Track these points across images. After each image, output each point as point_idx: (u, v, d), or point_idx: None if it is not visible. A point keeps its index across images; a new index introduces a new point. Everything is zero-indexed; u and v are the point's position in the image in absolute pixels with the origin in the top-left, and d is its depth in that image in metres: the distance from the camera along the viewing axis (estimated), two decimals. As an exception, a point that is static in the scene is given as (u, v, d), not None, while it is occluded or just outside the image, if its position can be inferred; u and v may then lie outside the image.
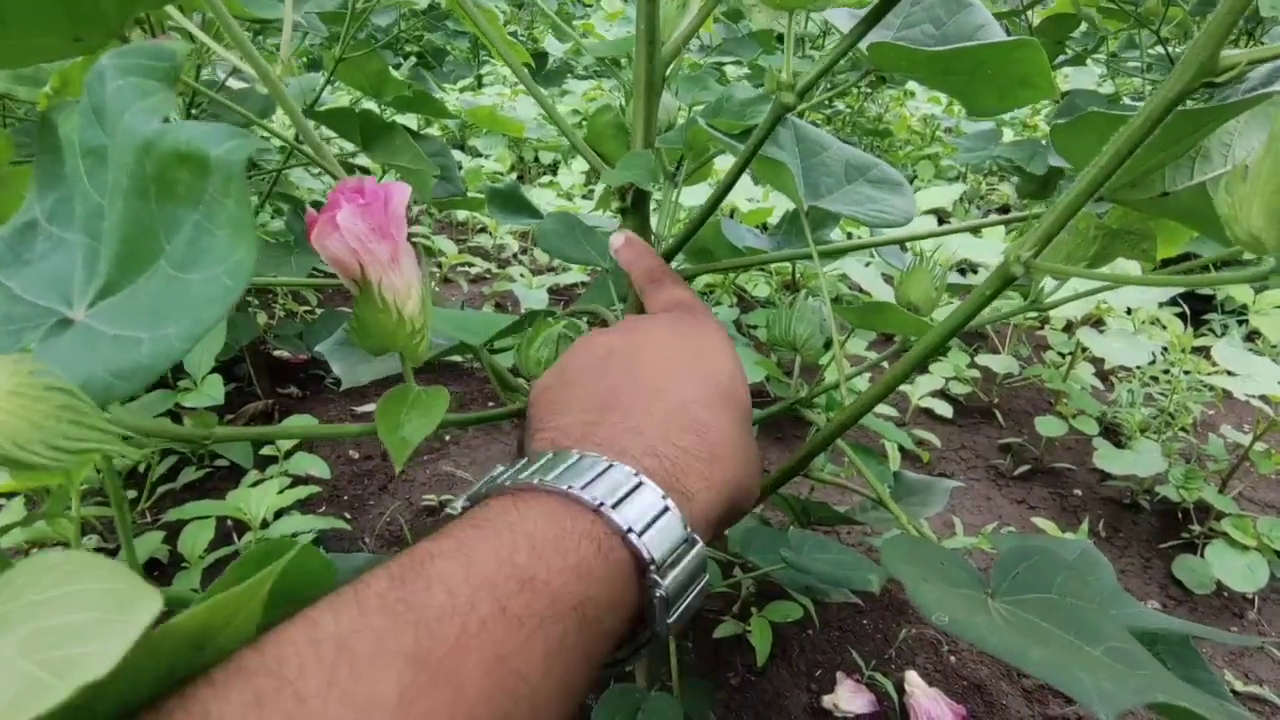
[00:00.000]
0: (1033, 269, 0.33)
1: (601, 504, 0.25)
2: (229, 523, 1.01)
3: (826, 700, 0.80)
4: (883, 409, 1.32)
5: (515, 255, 2.02)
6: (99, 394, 0.22)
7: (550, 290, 1.50)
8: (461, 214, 2.19)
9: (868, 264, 1.37)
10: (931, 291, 0.54)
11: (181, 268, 0.23)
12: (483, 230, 2.19)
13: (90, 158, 0.25)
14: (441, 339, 0.46)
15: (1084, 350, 1.33)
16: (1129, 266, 0.81)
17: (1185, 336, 1.30)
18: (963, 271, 1.63)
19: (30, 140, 0.82)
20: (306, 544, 0.30)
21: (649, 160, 0.43)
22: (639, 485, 0.26)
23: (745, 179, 1.63)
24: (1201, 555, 0.97)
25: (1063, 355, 1.42)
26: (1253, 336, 1.61)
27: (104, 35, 0.34)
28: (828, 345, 0.58)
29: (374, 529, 1.08)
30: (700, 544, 0.28)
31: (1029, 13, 1.57)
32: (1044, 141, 1.91)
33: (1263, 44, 1.43)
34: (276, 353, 1.44)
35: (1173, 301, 1.46)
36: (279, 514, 0.95)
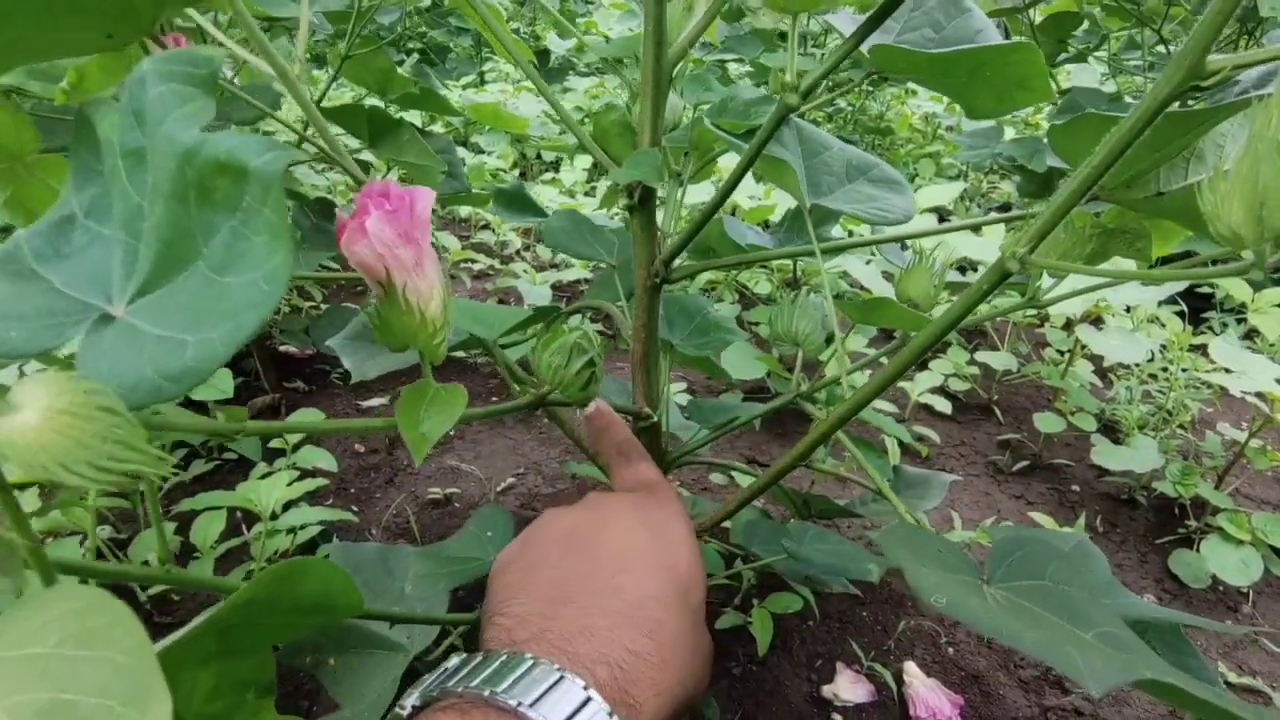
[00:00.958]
0: (1028, 265, 0.34)
1: None
2: (238, 514, 1.02)
3: (826, 690, 0.81)
4: (882, 405, 1.34)
5: (518, 252, 2.03)
6: (148, 395, 0.23)
7: (553, 286, 1.51)
8: (464, 210, 2.20)
9: (868, 261, 1.38)
10: (930, 289, 0.55)
11: (219, 270, 0.25)
12: (485, 227, 2.20)
13: (130, 159, 0.26)
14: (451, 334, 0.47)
15: (1083, 347, 1.34)
16: (1125, 264, 0.82)
17: (1184, 334, 1.31)
18: (962, 270, 1.64)
19: (44, 133, 0.83)
20: (328, 562, 0.31)
21: (656, 159, 0.44)
22: (586, 701, 0.27)
23: (747, 177, 1.64)
24: (1197, 550, 0.99)
25: (1062, 353, 1.43)
26: (1251, 335, 1.63)
27: (135, 33, 0.36)
28: (829, 341, 0.59)
29: (380, 521, 1.09)
30: None
31: (1031, 10, 1.58)
32: (1045, 139, 1.92)
33: (1262, 44, 1.44)
34: (283, 347, 1.46)
35: (1172, 300, 1.47)
36: (287, 506, 0.96)
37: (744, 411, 0.64)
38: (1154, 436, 1.18)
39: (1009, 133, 2.38)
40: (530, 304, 1.48)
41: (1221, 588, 0.98)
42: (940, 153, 2.59)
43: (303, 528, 0.95)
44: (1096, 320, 1.36)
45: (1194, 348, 1.36)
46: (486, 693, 0.27)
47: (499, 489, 1.18)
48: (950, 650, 0.89)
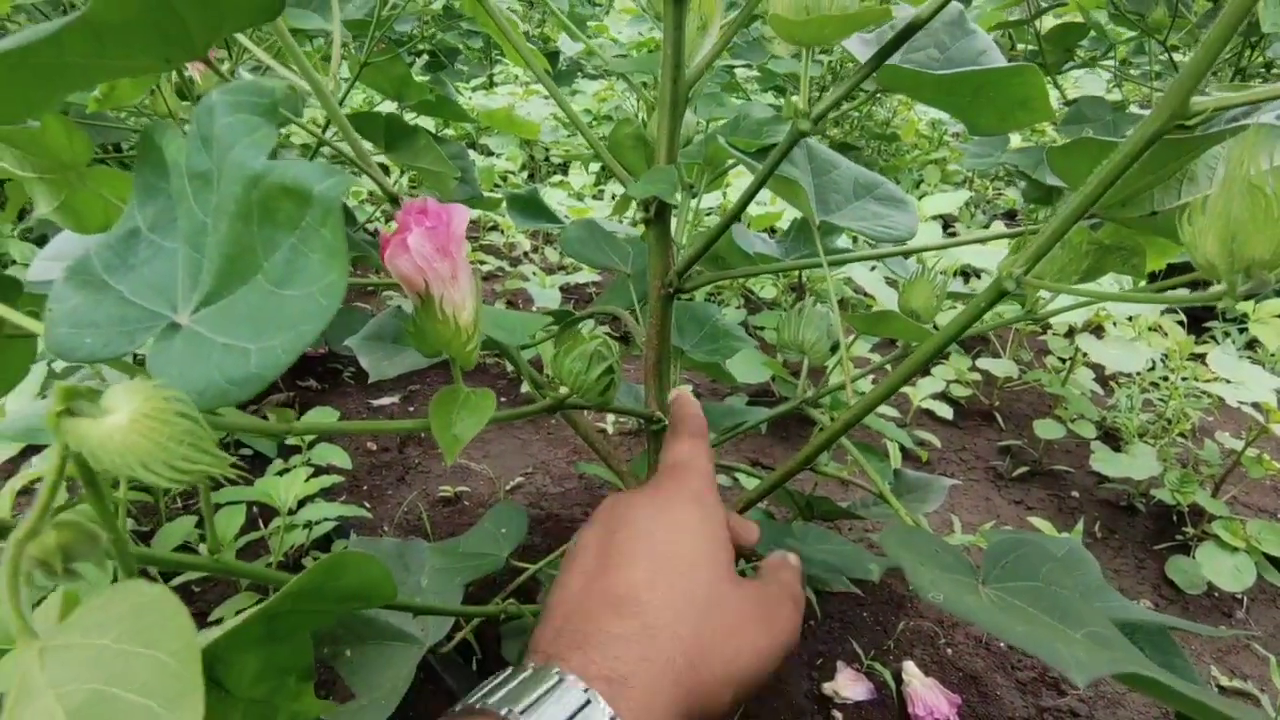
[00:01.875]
0: (1024, 285, 0.36)
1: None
2: (254, 509, 1.05)
3: (827, 687, 0.83)
4: (884, 410, 1.36)
5: (526, 254, 2.06)
6: (217, 399, 0.25)
7: (562, 289, 1.54)
8: (474, 212, 2.22)
9: (872, 268, 1.40)
10: (932, 300, 0.57)
11: (278, 284, 0.27)
12: (494, 228, 2.22)
13: (197, 180, 0.28)
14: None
15: (1084, 355, 1.36)
16: (1123, 279, 0.84)
17: (1185, 343, 1.33)
18: (965, 276, 1.66)
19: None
20: (368, 555, 0.33)
21: (672, 176, 0.47)
22: (585, 704, 0.28)
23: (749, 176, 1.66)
24: (1193, 557, 1.01)
25: (1063, 360, 1.45)
26: (1253, 344, 1.64)
27: (189, 56, 0.38)
28: (834, 349, 0.62)
29: (393, 518, 1.12)
30: None
31: (1037, 21, 1.60)
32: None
33: (1266, 57, 1.45)
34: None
35: (1174, 309, 1.49)
36: (303, 502, 0.99)
37: (750, 416, 0.66)
38: (1153, 444, 1.20)
39: (1015, 140, 2.39)
40: (540, 306, 1.51)
41: (1216, 593, 1.00)
42: (946, 159, 2.60)
43: (319, 523, 0.97)
44: (1098, 329, 1.38)
45: (1195, 356, 1.38)
46: (478, 705, 0.29)
47: (508, 488, 1.20)
48: (949, 651, 0.91)
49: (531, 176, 2.73)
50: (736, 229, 0.71)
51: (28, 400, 0.94)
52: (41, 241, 1.68)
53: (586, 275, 1.61)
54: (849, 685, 0.83)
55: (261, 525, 1.02)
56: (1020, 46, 1.86)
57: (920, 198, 2.08)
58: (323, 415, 1.20)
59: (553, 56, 3.25)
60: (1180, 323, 1.46)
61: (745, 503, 0.52)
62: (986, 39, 0.57)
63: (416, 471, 1.24)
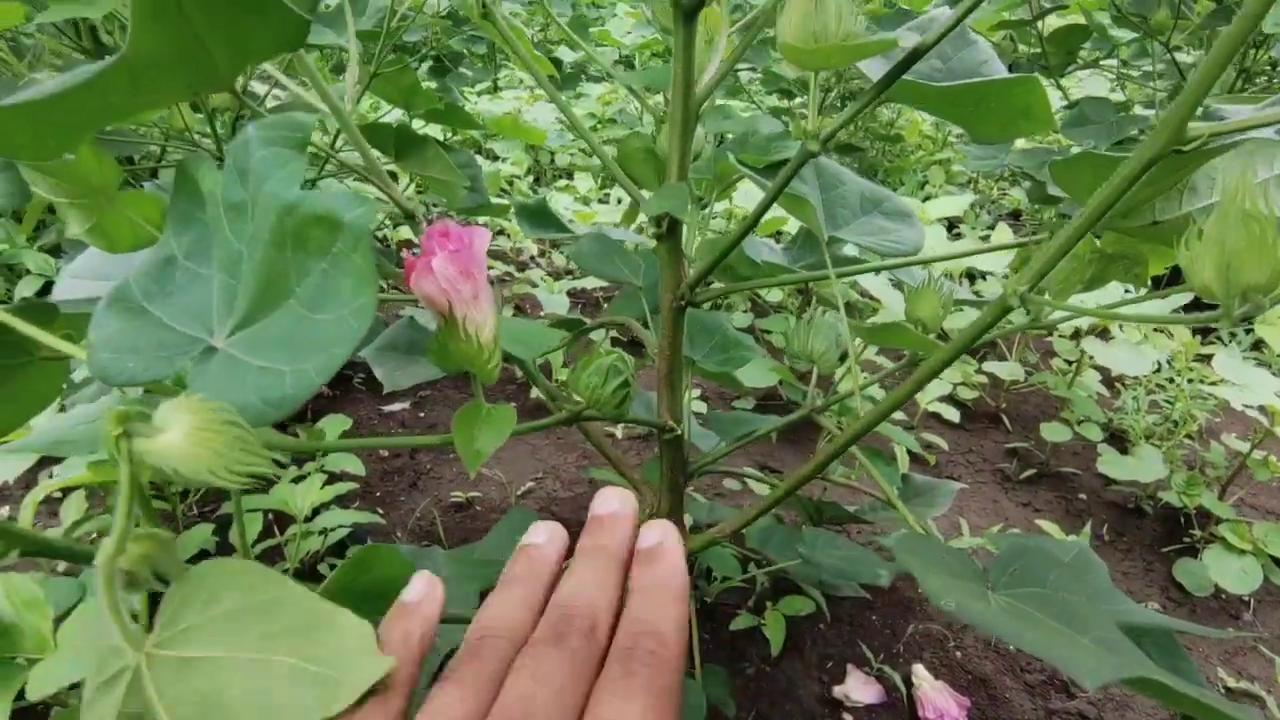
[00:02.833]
0: (1028, 302, 0.37)
1: None
2: (269, 516, 1.06)
3: (837, 691, 0.84)
4: (892, 414, 1.36)
5: (533, 258, 2.07)
6: (255, 419, 0.26)
7: (570, 294, 1.55)
8: (480, 217, 2.24)
9: (878, 272, 1.41)
10: (939, 309, 0.58)
11: (310, 308, 0.28)
12: (500, 233, 2.24)
13: (232, 210, 0.30)
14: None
15: (1090, 358, 1.37)
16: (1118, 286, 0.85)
17: (1191, 345, 1.33)
18: (971, 279, 1.67)
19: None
20: (395, 549, 0.34)
21: (684, 193, 0.48)
22: None
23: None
24: (1200, 559, 1.01)
25: (1069, 363, 1.45)
26: (1260, 345, 1.64)
27: (216, 88, 0.39)
28: (843, 359, 0.63)
29: (405, 524, 1.13)
30: None
31: (1039, 23, 1.60)
32: (1056, 149, 1.94)
33: (1271, 56, 1.44)
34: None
35: (1181, 309, 1.49)
36: (317, 509, 1.00)
37: (762, 424, 0.67)
38: (1160, 447, 1.20)
39: (1019, 141, 2.40)
40: (549, 311, 1.52)
41: (1223, 596, 1.00)
42: (950, 159, 2.61)
43: (334, 530, 0.99)
44: (1104, 332, 1.39)
45: (1201, 358, 1.38)
46: None
47: (519, 493, 1.21)
48: (958, 654, 0.92)
49: (537, 181, 2.75)
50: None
51: (48, 415, 0.96)
52: (55, 251, 1.70)
53: (595, 280, 1.62)
54: (859, 688, 0.84)
55: (277, 532, 1.03)
56: (1022, 48, 1.86)
57: (925, 199, 2.09)
58: (335, 422, 1.21)
59: (557, 60, 3.27)
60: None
61: (760, 510, 0.53)
62: (987, 49, 0.58)
63: (428, 477, 1.25)
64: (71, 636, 0.57)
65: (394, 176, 1.37)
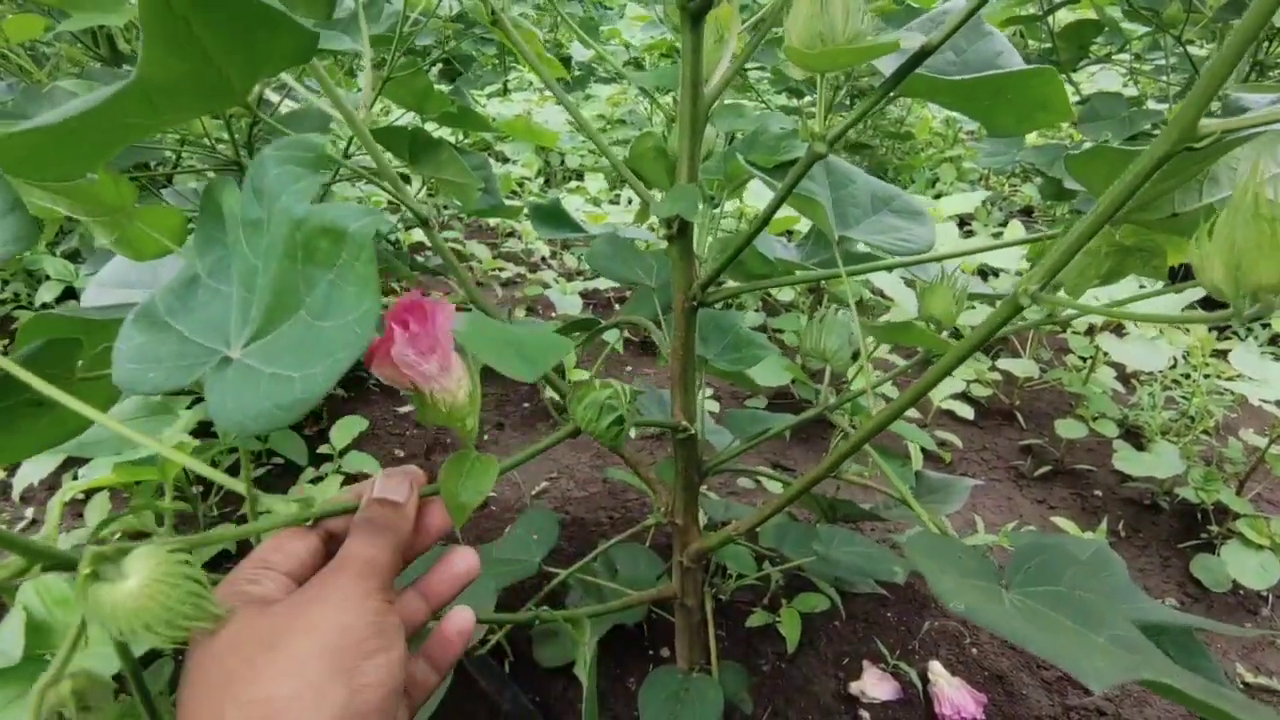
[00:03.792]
0: (1040, 301, 0.37)
1: None
2: (288, 517, 1.08)
3: (853, 687, 0.85)
4: (906, 412, 1.36)
5: (544, 259, 2.08)
6: (268, 423, 0.27)
7: (582, 294, 1.56)
8: (492, 219, 2.25)
9: (890, 270, 1.40)
10: (952, 306, 0.58)
11: (318, 316, 0.29)
12: (511, 235, 2.25)
13: (249, 228, 0.30)
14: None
15: (1105, 354, 1.36)
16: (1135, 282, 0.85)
17: (1208, 340, 1.32)
18: (984, 275, 1.66)
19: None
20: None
21: (695, 195, 0.48)
22: None
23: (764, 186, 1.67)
24: (1218, 555, 1.00)
25: (1083, 359, 1.45)
26: (1276, 340, 1.63)
27: (230, 104, 0.40)
28: (855, 357, 0.63)
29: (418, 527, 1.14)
30: None
31: (1050, 17, 1.59)
32: (1068, 143, 1.93)
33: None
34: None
35: (1194, 306, 1.48)
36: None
37: (775, 423, 0.68)
38: (1177, 443, 1.19)
39: (1031, 137, 2.38)
40: (562, 312, 1.53)
41: (1242, 591, 0.99)
42: (961, 156, 2.59)
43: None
44: (1119, 328, 1.38)
45: (1218, 353, 1.37)
46: None
47: (533, 493, 1.22)
48: (974, 651, 0.92)
49: (547, 182, 2.76)
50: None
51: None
52: (74, 257, 1.73)
53: (607, 281, 1.63)
54: (875, 685, 0.84)
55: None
56: (1033, 43, 1.85)
57: (936, 197, 2.08)
58: (351, 423, 1.23)
59: (566, 61, 3.28)
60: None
61: (775, 508, 0.53)
62: (1003, 40, 0.57)
63: (443, 478, 1.26)
64: (101, 634, 0.58)
65: (406, 179, 1.39)
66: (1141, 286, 1.20)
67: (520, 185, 2.43)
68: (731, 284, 0.58)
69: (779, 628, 0.90)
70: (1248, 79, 1.52)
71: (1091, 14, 1.54)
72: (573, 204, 2.07)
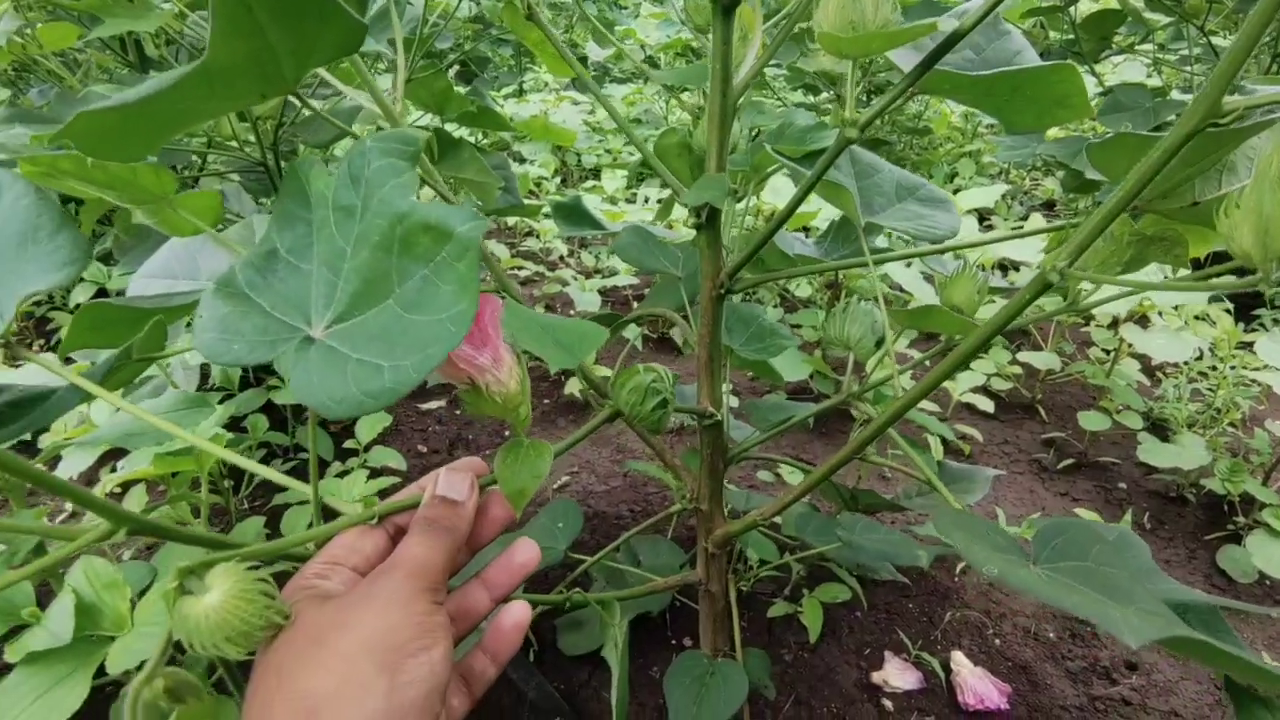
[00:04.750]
0: (1068, 276, 0.38)
1: None
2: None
3: (876, 676, 0.85)
4: (924, 404, 1.36)
5: (563, 258, 2.10)
6: (353, 409, 0.28)
7: (600, 292, 1.57)
8: (511, 218, 2.27)
9: (909, 265, 1.40)
10: (974, 295, 0.59)
11: (408, 309, 0.30)
12: (530, 234, 2.27)
13: (340, 213, 0.32)
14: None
15: (1128, 346, 1.35)
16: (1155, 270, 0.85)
17: (1233, 331, 1.31)
18: (1003, 269, 1.65)
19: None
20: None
21: (724, 184, 0.49)
22: None
23: (787, 184, 1.67)
24: (1244, 546, 1.00)
25: (1107, 352, 1.44)
26: (1304, 331, 1.61)
27: (281, 91, 0.42)
28: (878, 345, 0.64)
29: (446, 517, 1.16)
30: None
31: (1072, 8, 1.58)
32: (1091, 136, 1.91)
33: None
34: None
35: (1220, 297, 1.47)
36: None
37: (798, 411, 0.68)
38: (1203, 435, 1.19)
39: (1052, 130, 2.36)
40: (581, 309, 1.54)
41: (1268, 581, 0.99)
42: (980, 151, 2.58)
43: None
44: (1142, 319, 1.37)
45: (1243, 345, 1.36)
46: None
47: (555, 486, 1.23)
48: (997, 642, 0.92)
49: (564, 182, 2.78)
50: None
51: (109, 411, 1.01)
52: (106, 259, 1.77)
53: (624, 278, 1.64)
54: (898, 674, 0.85)
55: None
56: (1054, 34, 1.84)
57: (955, 192, 2.07)
58: (375, 419, 1.25)
59: (583, 61, 3.29)
60: (1228, 311, 1.43)
61: (798, 493, 0.54)
62: (1021, 39, 0.58)
63: (467, 472, 1.28)
64: (147, 616, 0.60)
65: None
66: (1164, 278, 1.19)
67: (538, 184, 2.45)
68: (756, 275, 0.59)
69: (800, 618, 0.90)
70: (1269, 71, 1.51)
71: (1114, 4, 1.53)
72: (590, 203, 2.08)
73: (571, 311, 1.73)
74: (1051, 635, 0.92)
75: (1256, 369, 1.24)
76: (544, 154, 2.72)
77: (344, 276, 0.31)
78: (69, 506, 1.14)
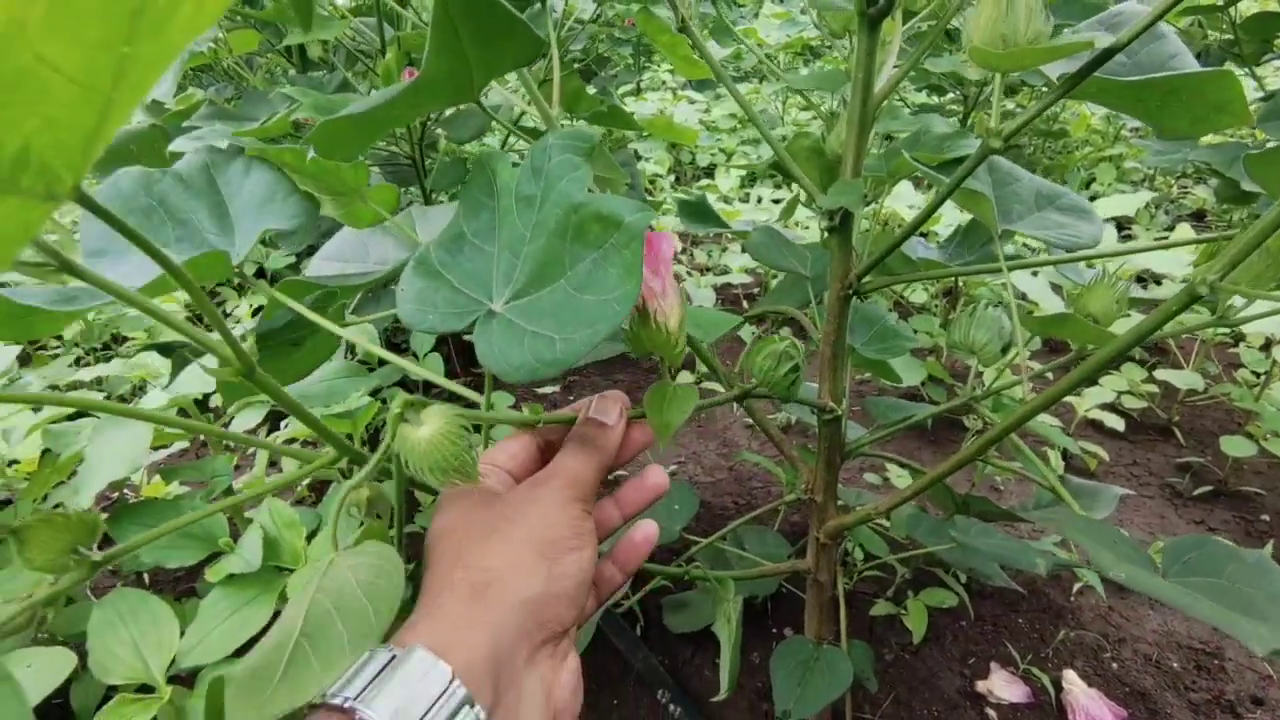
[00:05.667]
0: (1219, 290, 0.38)
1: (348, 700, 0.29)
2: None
3: (980, 685, 0.84)
4: (1046, 419, 1.31)
5: (677, 254, 2.14)
6: (529, 374, 0.33)
7: (715, 288, 1.60)
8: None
9: (1035, 274, 1.35)
10: (1112, 305, 0.58)
11: (578, 289, 0.34)
12: (644, 230, 2.33)
13: (522, 201, 0.37)
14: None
15: (1283, 370, 1.25)
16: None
17: None
18: (1143, 283, 1.56)
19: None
20: None
21: (859, 189, 0.51)
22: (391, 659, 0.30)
23: (908, 188, 1.65)
24: None
25: (1257, 374, 1.33)
26: None
27: (468, 98, 0.48)
28: (1004, 351, 0.64)
29: (560, 494, 1.23)
30: (464, 691, 0.30)
31: (1233, 8, 1.47)
32: (1250, 143, 1.76)
33: None
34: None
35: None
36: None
37: (917, 411, 0.70)
38: (1366, 470, 1.09)
39: (1207, 135, 2.18)
40: (696, 304, 1.58)
41: None
42: (1123, 155, 2.42)
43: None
44: (1301, 341, 1.26)
45: None
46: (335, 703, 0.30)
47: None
48: (1114, 666, 0.89)
49: (678, 180, 2.83)
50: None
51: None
52: (266, 243, 1.96)
53: (737, 276, 1.67)
54: (1004, 686, 0.84)
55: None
56: (1212, 35, 1.71)
57: (1092, 199, 1.96)
58: (499, 398, 1.34)
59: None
60: None
61: (915, 490, 0.56)
62: (1177, 43, 0.56)
63: (579, 454, 1.35)
64: (317, 553, 0.69)
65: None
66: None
67: (652, 182, 2.51)
68: (881, 278, 0.60)
69: (903, 620, 0.91)
70: None
71: (1277, 5, 1.41)
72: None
73: (694, 304, 1.77)
74: (1175, 665, 0.88)
75: None
76: (659, 152, 2.78)
77: (523, 258, 0.36)
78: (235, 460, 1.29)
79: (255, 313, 1.72)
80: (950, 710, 0.82)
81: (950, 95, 2.28)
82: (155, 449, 1.05)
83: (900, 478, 1.15)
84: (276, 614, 0.72)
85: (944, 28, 0.53)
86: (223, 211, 0.49)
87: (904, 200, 1.54)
